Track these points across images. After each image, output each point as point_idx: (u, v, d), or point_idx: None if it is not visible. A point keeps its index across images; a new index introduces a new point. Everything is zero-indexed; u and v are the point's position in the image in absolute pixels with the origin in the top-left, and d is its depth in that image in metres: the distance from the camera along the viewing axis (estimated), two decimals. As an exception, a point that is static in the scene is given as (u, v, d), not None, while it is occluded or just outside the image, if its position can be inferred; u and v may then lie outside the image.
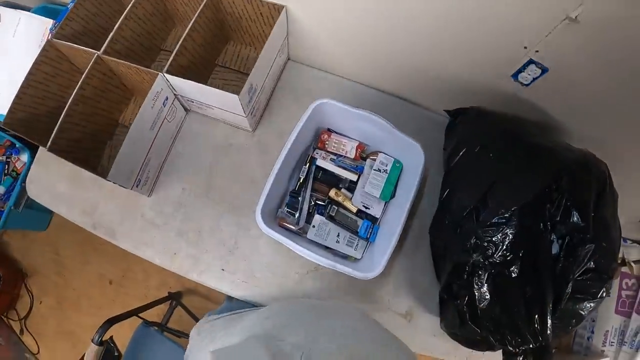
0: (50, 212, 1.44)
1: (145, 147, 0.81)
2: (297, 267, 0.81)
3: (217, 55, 0.95)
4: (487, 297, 0.65)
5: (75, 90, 0.75)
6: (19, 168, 1.36)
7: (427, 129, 0.89)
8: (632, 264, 1.09)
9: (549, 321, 0.63)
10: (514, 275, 0.64)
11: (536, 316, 0.64)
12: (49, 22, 1.03)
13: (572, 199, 0.64)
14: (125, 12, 0.78)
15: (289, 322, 0.43)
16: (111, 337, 0.96)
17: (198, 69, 0.88)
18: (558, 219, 0.65)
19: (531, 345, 0.68)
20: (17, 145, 1.38)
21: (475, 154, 0.75)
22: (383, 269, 0.69)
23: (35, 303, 1.47)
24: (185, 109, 0.91)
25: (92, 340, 0.92)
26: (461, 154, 0.77)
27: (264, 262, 0.81)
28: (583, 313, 0.66)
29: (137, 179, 0.82)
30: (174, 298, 1.31)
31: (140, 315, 1.02)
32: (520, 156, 0.70)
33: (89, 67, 0.76)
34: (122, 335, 0.99)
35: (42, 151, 0.95)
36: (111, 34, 0.77)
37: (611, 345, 1.24)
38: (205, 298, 1.41)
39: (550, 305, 0.64)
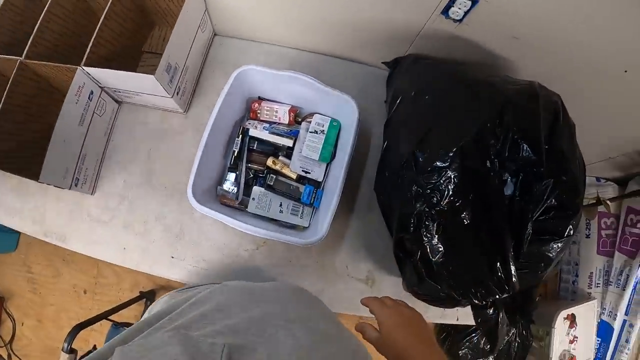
0: (18, 232, 1.44)
1: (77, 144, 0.78)
2: (246, 244, 0.77)
3: (143, 41, 0.91)
4: (440, 250, 0.60)
5: (2, 100, 0.73)
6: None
7: (368, 85, 0.85)
8: (609, 202, 1.04)
9: (513, 268, 0.58)
10: (466, 223, 0.60)
11: (498, 264, 0.59)
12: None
13: (519, 132, 0.59)
14: (43, 13, 0.75)
15: (215, 313, 0.40)
16: (94, 346, 0.94)
17: (123, 58, 0.85)
18: (506, 155, 0.60)
19: (498, 296, 0.63)
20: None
21: (411, 100, 0.70)
22: (326, 233, 0.65)
23: (18, 325, 1.46)
24: (117, 101, 0.87)
25: (62, 349, 0.89)
26: (398, 102, 0.73)
27: (212, 244, 0.78)
28: (551, 255, 0.61)
29: (75, 178, 0.79)
30: (147, 297, 1.30)
31: (111, 317, 1.00)
32: (458, 95, 0.66)
33: (12, 74, 0.74)
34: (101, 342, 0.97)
35: (-16, 168, 0.93)
36: (31, 38, 0.74)
37: (597, 286, 1.20)
38: (162, 288, 1.39)
39: (512, 251, 0.59)
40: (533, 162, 0.59)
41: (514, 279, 0.60)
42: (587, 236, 1.24)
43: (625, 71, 0.72)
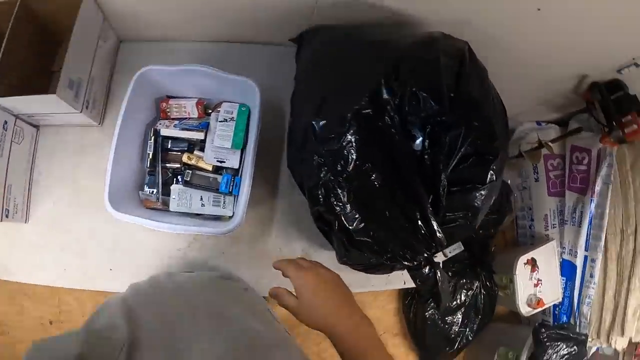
0: None
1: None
2: (178, 243, 0.78)
3: (52, 61, 0.90)
4: (356, 217, 0.59)
5: None
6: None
7: (278, 64, 0.85)
8: (551, 144, 1.04)
9: (435, 223, 0.58)
10: (377, 185, 0.59)
11: (419, 222, 0.58)
12: None
13: (418, 84, 0.58)
14: None
15: (119, 311, 0.41)
16: None
17: (36, 80, 0.84)
18: (407, 109, 0.59)
19: (427, 254, 0.62)
20: None
21: (311, 70, 0.70)
22: (242, 218, 0.65)
23: None
24: (34, 125, 0.86)
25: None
26: (299, 75, 0.72)
27: (145, 248, 0.78)
28: (476, 203, 0.60)
29: (5, 210, 0.78)
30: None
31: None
32: (353, 59, 0.65)
33: None
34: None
35: None
36: None
37: (554, 227, 1.21)
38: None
39: (429, 206, 0.58)
40: (437, 112, 0.59)
41: (438, 234, 0.59)
42: (536, 180, 1.25)
43: (538, 9, 0.72)
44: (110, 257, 0.79)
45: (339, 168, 0.58)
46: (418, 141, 0.62)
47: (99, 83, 0.82)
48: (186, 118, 0.77)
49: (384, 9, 0.74)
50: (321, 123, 0.60)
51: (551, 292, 1.15)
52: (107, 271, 0.79)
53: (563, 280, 1.18)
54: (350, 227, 0.59)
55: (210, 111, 0.77)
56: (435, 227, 0.59)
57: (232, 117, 0.74)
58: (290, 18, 0.78)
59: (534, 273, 1.13)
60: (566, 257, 1.18)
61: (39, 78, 0.87)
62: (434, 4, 0.72)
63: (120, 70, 0.87)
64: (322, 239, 0.77)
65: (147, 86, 0.75)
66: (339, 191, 0.59)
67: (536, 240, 1.25)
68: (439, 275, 0.76)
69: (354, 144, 0.57)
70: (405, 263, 0.64)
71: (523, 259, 1.12)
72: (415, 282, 0.77)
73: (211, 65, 0.72)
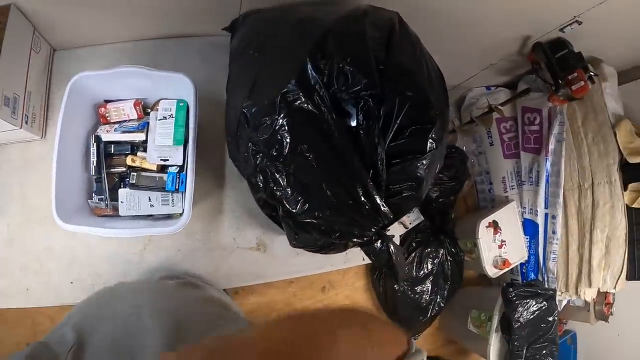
0: None
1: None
2: (134, 247, 0.77)
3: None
4: (299, 199, 0.59)
5: None
6: None
7: (213, 56, 0.85)
8: (500, 107, 1.07)
9: (377, 198, 0.58)
10: (314, 166, 0.58)
11: (362, 198, 0.58)
12: None
13: (345, 59, 0.57)
14: None
15: (73, 316, 0.44)
16: None
17: None
18: (337, 86, 0.59)
19: (374, 229, 0.62)
20: None
21: (239, 58, 0.69)
22: (188, 215, 0.65)
23: None
24: (-25, 148, 0.85)
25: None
26: (231, 65, 0.72)
27: (102, 256, 0.78)
28: (420, 174, 0.61)
29: None
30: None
31: None
32: (280, 39, 0.64)
33: None
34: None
35: None
36: None
37: (512, 189, 1.25)
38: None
39: (370, 181, 0.58)
40: (367, 85, 0.58)
41: (382, 208, 0.59)
42: (491, 144, 1.28)
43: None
44: (69, 271, 0.79)
45: (274, 153, 0.58)
46: (352, 117, 0.62)
47: (36, 96, 0.80)
48: (126, 120, 0.76)
49: None
50: (253, 110, 0.59)
51: (516, 252, 1.19)
52: (68, 285, 0.79)
53: (527, 239, 1.22)
54: (294, 211, 0.59)
55: (149, 110, 0.77)
56: (379, 202, 0.59)
57: (171, 114, 0.74)
58: (219, 7, 0.78)
59: (497, 235, 1.17)
60: (527, 216, 1.22)
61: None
62: None
63: (57, 80, 0.85)
64: (274, 225, 0.78)
65: (83, 93, 0.74)
66: (277, 176, 0.59)
67: (497, 203, 1.28)
68: (392, 248, 0.76)
69: (286, 127, 0.57)
70: (355, 240, 0.64)
71: (484, 222, 1.15)
72: (369, 257, 0.78)
73: (145, 64, 0.71)
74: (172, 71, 0.71)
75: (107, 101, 0.78)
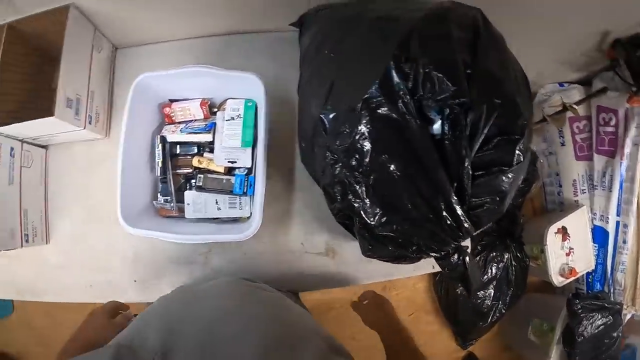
0: None
1: (14, 203, 0.77)
2: (199, 248, 0.76)
3: (51, 80, 0.88)
4: (377, 212, 0.55)
5: None
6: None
7: (281, 52, 0.82)
8: (575, 106, 0.98)
9: (460, 212, 0.53)
10: (396, 177, 0.54)
11: (444, 212, 0.53)
12: None
13: (431, 62, 0.52)
14: None
15: (155, 320, 0.42)
16: None
17: (35, 103, 0.82)
18: (421, 93, 0.54)
19: (454, 244, 0.58)
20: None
21: (313, 57, 0.66)
22: (259, 221, 0.63)
23: None
24: (42, 146, 0.86)
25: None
26: (302, 63, 0.69)
27: (167, 257, 0.77)
28: (504, 187, 0.56)
29: (24, 235, 0.79)
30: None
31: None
32: (358, 40, 0.59)
33: None
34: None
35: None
36: None
37: (583, 193, 1.16)
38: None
39: (454, 194, 0.53)
40: (455, 93, 0.53)
41: (465, 224, 0.54)
42: (562, 144, 1.18)
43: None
44: (133, 269, 0.79)
45: (353, 163, 0.54)
46: (437, 126, 0.57)
47: (99, 96, 0.80)
48: (192, 120, 0.74)
49: None
50: (330, 116, 0.55)
51: (584, 261, 1.11)
52: (132, 283, 0.79)
53: (595, 247, 1.14)
54: (372, 223, 0.56)
55: (215, 110, 0.74)
56: (462, 217, 0.54)
57: (239, 115, 0.71)
58: (286, 1, 0.74)
59: (565, 242, 1.09)
60: (597, 223, 1.13)
61: (41, 98, 0.85)
62: None
63: (120, 78, 0.85)
64: (344, 231, 0.75)
65: (148, 93, 0.72)
66: (357, 187, 0.55)
67: (565, 207, 1.20)
68: (468, 262, 0.71)
69: (367, 135, 0.53)
70: (433, 254, 0.61)
71: (553, 228, 1.08)
72: (443, 270, 0.73)
73: (210, 62, 0.69)
74: (241, 70, 0.68)
75: (172, 100, 0.76)
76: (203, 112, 0.73)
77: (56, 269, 0.84)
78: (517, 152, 0.54)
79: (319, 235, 0.75)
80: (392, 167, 0.54)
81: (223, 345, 0.35)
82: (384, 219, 0.56)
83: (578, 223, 1.10)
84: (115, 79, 0.85)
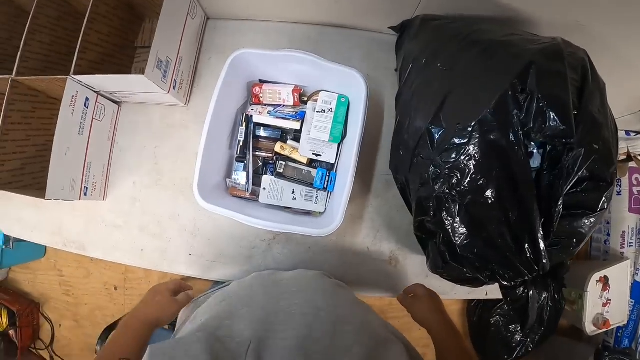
0: None
1: (80, 153, 0.76)
2: (263, 234, 0.75)
3: (135, 37, 0.88)
4: (463, 232, 0.56)
5: (0, 121, 0.71)
6: (1, 206, 1.37)
7: (375, 52, 0.80)
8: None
9: (542, 247, 0.53)
10: (490, 202, 0.54)
11: (526, 244, 0.54)
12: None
13: (545, 98, 0.52)
14: (27, 25, 0.72)
15: (241, 308, 0.41)
16: None
17: (116, 57, 0.82)
18: (532, 125, 0.53)
19: (527, 277, 0.58)
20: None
21: (423, 68, 0.65)
22: (341, 221, 0.62)
23: (56, 327, 1.52)
24: (116, 102, 0.85)
25: (95, 352, 0.91)
26: (409, 71, 0.67)
27: (228, 237, 0.76)
28: (584, 231, 0.56)
29: (83, 188, 0.78)
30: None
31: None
32: (474, 59, 0.59)
33: (6, 93, 0.72)
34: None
35: (0, 186, 0.93)
36: (19, 52, 0.71)
37: (630, 246, 1.15)
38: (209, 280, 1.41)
39: (541, 229, 0.54)
40: (562, 131, 0.53)
41: (544, 259, 0.55)
42: (618, 193, 1.18)
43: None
44: (190, 242, 0.78)
45: (454, 181, 0.54)
46: (536, 159, 0.57)
47: (186, 62, 0.79)
48: (280, 105, 0.73)
49: (495, 4, 0.68)
50: (440, 131, 0.55)
51: (618, 314, 1.10)
52: (187, 256, 0.78)
53: (631, 302, 1.13)
54: (456, 242, 0.56)
55: (306, 99, 0.73)
56: (543, 252, 0.54)
57: (331, 108, 0.70)
58: (392, 4, 0.73)
59: (605, 292, 1.08)
60: (638, 279, 1.12)
61: (122, 53, 0.85)
62: (550, 4, 0.66)
63: (206, 49, 0.83)
64: (412, 243, 0.74)
65: (240, 69, 0.71)
66: (451, 205, 0.55)
67: (609, 257, 1.19)
68: (531, 295, 0.71)
69: (473, 156, 0.53)
70: (504, 282, 0.60)
71: (596, 275, 1.07)
72: (505, 300, 0.73)
73: (304, 50, 0.68)
74: (344, 65, 0.66)
75: (262, 81, 0.75)
76: (294, 99, 0.72)
77: (109, 227, 0.83)
78: (603, 198, 0.55)
79: (387, 242, 0.74)
80: (489, 192, 0.54)
81: (321, 345, 0.35)
82: (469, 240, 0.56)
83: (620, 275, 1.09)
84: (201, 49, 0.83)
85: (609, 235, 1.21)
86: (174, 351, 0.33)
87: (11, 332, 1.42)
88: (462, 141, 0.53)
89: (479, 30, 0.65)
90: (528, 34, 0.63)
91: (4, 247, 1.30)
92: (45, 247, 1.52)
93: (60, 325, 1.52)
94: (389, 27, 0.78)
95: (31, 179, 0.83)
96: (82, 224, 0.85)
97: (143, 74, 0.66)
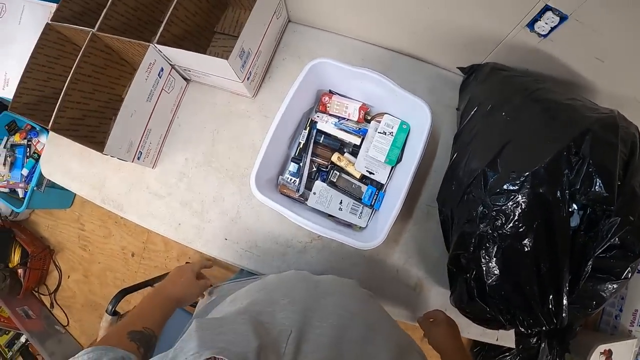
0: None
1: (144, 119, 0.80)
2: (301, 235, 0.78)
3: (216, 22, 0.92)
4: (496, 273, 0.59)
5: (72, 70, 0.75)
6: (39, 150, 1.41)
7: (439, 88, 0.83)
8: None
9: (565, 302, 0.57)
10: (526, 250, 0.58)
11: (551, 296, 0.57)
12: (52, 7, 1.03)
13: (595, 165, 0.56)
14: None
15: (282, 299, 0.43)
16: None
17: (195, 37, 0.86)
18: (578, 187, 0.57)
19: (545, 328, 0.61)
20: (36, 128, 1.43)
21: (487, 113, 0.68)
22: (384, 239, 0.64)
23: (64, 277, 1.55)
24: (185, 79, 0.89)
25: (106, 311, 0.94)
26: (472, 113, 0.71)
27: (267, 231, 0.79)
28: (604, 295, 0.59)
29: (138, 152, 0.82)
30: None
31: (154, 285, 1.04)
32: (536, 115, 0.63)
33: (84, 45, 0.76)
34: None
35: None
36: (104, 10, 0.76)
37: (639, 326, 1.15)
38: (225, 269, 1.41)
39: (567, 285, 0.57)
40: (604, 198, 0.56)
41: (564, 313, 0.58)
42: (639, 271, 1.18)
43: None
44: (228, 227, 0.81)
45: (498, 223, 0.58)
46: (575, 219, 0.60)
47: (263, 57, 0.83)
48: (345, 118, 0.76)
49: (563, 69, 0.71)
50: (495, 176, 0.59)
51: (616, 389, 1.10)
52: (222, 240, 0.81)
53: (631, 381, 1.13)
54: (487, 281, 0.59)
55: (369, 118, 0.76)
56: (565, 306, 0.57)
57: (392, 132, 0.73)
58: (465, 47, 0.76)
59: (607, 365, 1.09)
60: (639, 360, 1.12)
61: (201, 35, 0.89)
62: (614, 81, 0.69)
63: (282, 49, 0.87)
64: (439, 274, 0.77)
65: (315, 76, 0.74)
66: (491, 245, 0.59)
67: (617, 332, 1.19)
68: (543, 348, 0.73)
69: (520, 204, 0.57)
70: (521, 329, 0.63)
71: (601, 348, 1.07)
72: (517, 346, 0.75)
73: (382, 73, 0.71)
74: (415, 95, 0.69)
75: (331, 92, 0.78)
76: (359, 115, 0.75)
77: (152, 195, 0.86)
78: (629, 268, 0.57)
79: (416, 269, 0.76)
80: (527, 240, 0.57)
81: (353, 346, 0.37)
82: (499, 282, 0.59)
83: (625, 352, 1.10)
84: (277, 48, 0.87)
85: (621, 310, 1.21)
86: (221, 328, 0.34)
87: (20, 270, 1.46)
88: (513, 188, 0.56)
89: (544, 88, 0.69)
90: (588, 101, 0.66)
91: (35, 188, 1.34)
92: (73, 199, 1.57)
93: (68, 277, 1.55)
94: (457, 67, 0.81)
95: (87, 131, 0.87)
96: (125, 185, 0.88)
97: (221, 58, 0.69)
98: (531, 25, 0.62)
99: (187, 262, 1.39)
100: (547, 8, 0.57)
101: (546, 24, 0.60)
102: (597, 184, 0.55)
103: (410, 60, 0.84)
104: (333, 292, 0.48)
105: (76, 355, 0.41)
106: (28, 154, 1.40)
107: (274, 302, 0.42)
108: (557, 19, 0.58)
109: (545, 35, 0.63)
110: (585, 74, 0.70)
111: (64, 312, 1.52)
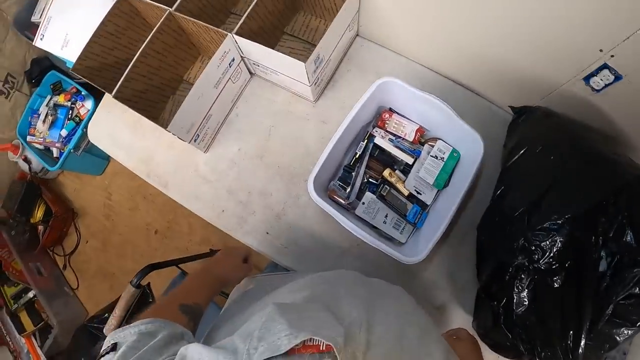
0: (107, 159, 1.52)
1: (208, 103, 0.84)
2: (340, 240, 0.81)
3: (287, 23, 0.96)
4: (525, 303, 0.64)
5: (145, 43, 0.79)
6: (82, 114, 1.44)
7: (488, 122, 0.86)
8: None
9: (583, 340, 0.61)
10: (556, 286, 0.63)
11: (571, 332, 0.61)
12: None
13: (629, 217, 0.61)
14: None
15: (345, 294, 0.44)
16: (149, 284, 1.00)
17: (266, 34, 0.90)
18: (611, 235, 0.62)
19: None
20: (82, 93, 1.46)
21: (536, 155, 0.72)
22: (426, 257, 0.68)
23: (82, 242, 1.57)
24: (250, 72, 0.93)
25: (131, 282, 0.95)
26: (521, 152, 0.74)
27: (309, 231, 0.83)
28: (619, 339, 0.63)
29: (196, 134, 0.85)
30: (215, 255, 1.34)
31: (180, 266, 1.06)
32: (581, 163, 0.68)
33: (160, 22, 0.80)
34: (157, 283, 1.02)
35: (107, 98, 1.00)
36: None
37: (644, 379, 1.17)
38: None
39: (587, 324, 0.61)
40: (633, 249, 0.61)
41: (580, 350, 0.62)
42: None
43: None
44: (271, 222, 0.84)
45: (535, 257, 0.62)
46: (603, 263, 0.65)
47: (331, 66, 0.87)
48: (401, 137, 0.80)
49: (611, 124, 0.75)
50: (538, 214, 0.63)
51: None
52: (263, 233, 0.84)
53: None
54: (515, 310, 0.64)
55: (423, 141, 0.80)
56: (582, 345, 0.61)
57: (443, 157, 0.77)
58: (520, 89, 0.80)
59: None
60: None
61: (271, 33, 0.93)
62: None
63: (348, 61, 0.91)
64: (463, 300, 0.80)
65: (380, 93, 0.78)
66: (525, 277, 0.63)
67: None
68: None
69: (557, 243, 0.62)
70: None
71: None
72: (529, 378, 0.79)
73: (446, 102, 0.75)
74: (472, 127, 0.73)
75: (391, 109, 0.82)
76: (415, 136, 0.79)
77: (200, 178, 0.90)
78: None
79: (442, 291, 0.80)
80: (557, 277, 0.62)
81: (412, 342, 0.39)
82: (526, 312, 0.64)
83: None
84: (344, 59, 0.91)
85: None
86: (303, 312, 0.36)
87: (40, 227, 1.49)
88: (553, 227, 0.61)
89: (590, 138, 0.73)
90: (629, 159, 0.71)
91: (72, 150, 1.37)
92: (105, 167, 1.59)
93: (87, 242, 1.57)
94: (509, 105, 0.85)
95: (146, 105, 0.90)
96: (173, 164, 0.92)
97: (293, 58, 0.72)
98: (587, 79, 0.66)
99: (210, 249, 1.42)
100: (604, 66, 0.61)
101: (601, 80, 0.64)
102: (629, 235, 0.60)
103: (466, 91, 0.88)
104: (388, 294, 0.51)
105: (133, 324, 0.42)
106: (70, 116, 1.44)
107: (336, 296, 0.44)
108: (612, 77, 0.62)
109: (598, 90, 0.67)
110: (628, 132, 0.74)
111: (75, 275, 1.54)
